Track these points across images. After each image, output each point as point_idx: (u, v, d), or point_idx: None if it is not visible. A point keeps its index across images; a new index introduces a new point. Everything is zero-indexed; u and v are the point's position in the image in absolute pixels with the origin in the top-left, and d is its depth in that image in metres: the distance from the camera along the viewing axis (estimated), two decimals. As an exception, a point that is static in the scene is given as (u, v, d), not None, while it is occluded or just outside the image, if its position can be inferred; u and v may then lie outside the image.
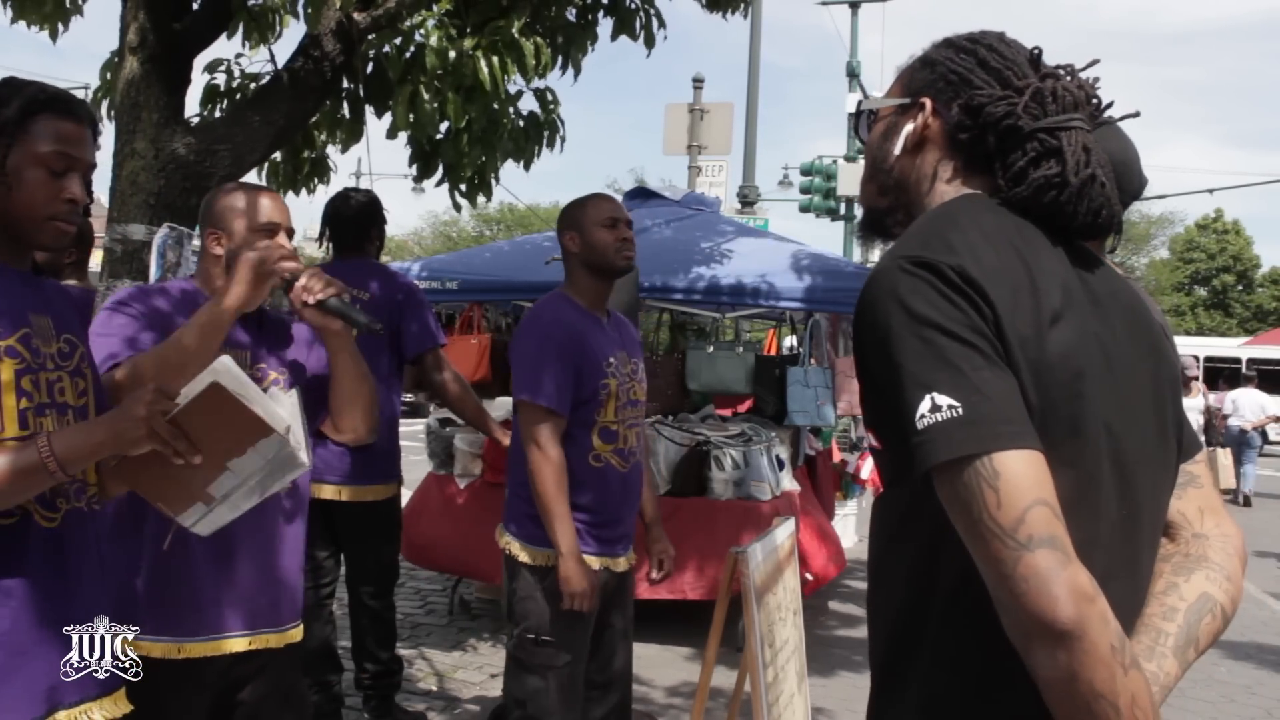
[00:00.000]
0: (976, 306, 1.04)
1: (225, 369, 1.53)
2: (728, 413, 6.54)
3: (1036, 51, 1.25)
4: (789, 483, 5.46)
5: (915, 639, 1.15)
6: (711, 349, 6.25)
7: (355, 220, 3.73)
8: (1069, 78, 1.22)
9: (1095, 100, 1.23)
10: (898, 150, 1.27)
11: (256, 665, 2.08)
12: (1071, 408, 1.07)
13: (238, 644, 2.03)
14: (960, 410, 1.00)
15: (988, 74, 1.22)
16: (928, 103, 1.25)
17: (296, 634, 2.18)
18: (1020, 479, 0.99)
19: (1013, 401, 1.03)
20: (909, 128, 1.26)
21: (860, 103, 1.38)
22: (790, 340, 9.05)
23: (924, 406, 1.01)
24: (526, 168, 3.91)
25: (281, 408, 1.69)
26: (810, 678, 3.51)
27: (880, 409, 1.09)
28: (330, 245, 3.81)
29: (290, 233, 2.15)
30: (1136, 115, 1.28)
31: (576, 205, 2.84)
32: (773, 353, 8.47)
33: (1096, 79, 1.23)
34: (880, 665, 1.22)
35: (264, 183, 4.04)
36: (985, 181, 1.23)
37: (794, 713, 3.02)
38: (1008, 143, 1.19)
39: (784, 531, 3.26)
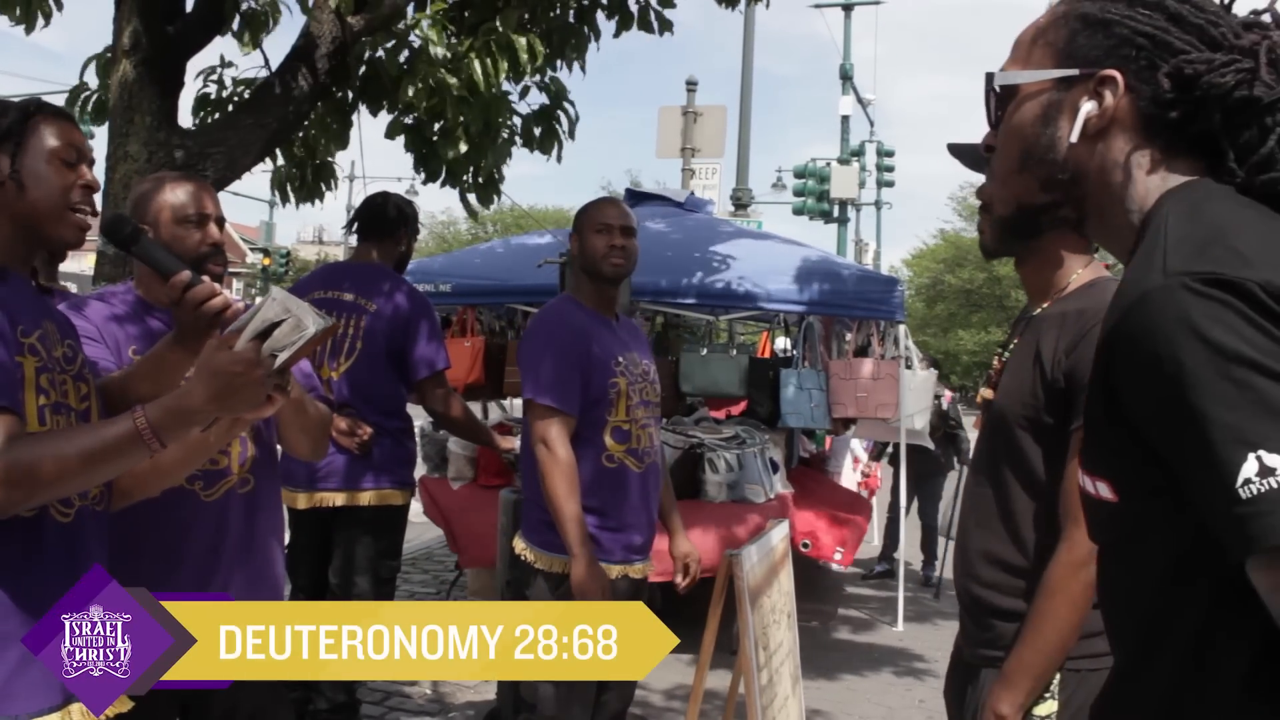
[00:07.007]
0: None
1: (312, 314, 1.42)
2: (721, 414, 6.55)
3: None
4: (782, 485, 5.48)
5: None
6: (705, 351, 6.27)
7: (389, 215, 3.60)
8: None
9: None
10: (1075, 136, 1.01)
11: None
12: None
13: None
14: None
15: (1187, 32, 0.97)
16: (1118, 76, 0.99)
17: None
18: None
19: None
20: (1089, 107, 0.99)
21: (991, 76, 1.09)
22: (783, 342, 9.07)
23: (1248, 469, 0.79)
24: (559, 159, 3.98)
25: (304, 313, 1.48)
26: (804, 680, 3.51)
27: (1141, 460, 0.89)
28: (356, 239, 3.75)
29: (220, 222, 2.07)
30: None
31: (581, 210, 2.89)
32: (766, 355, 8.49)
33: None
34: None
35: (273, 192, 4.07)
36: (1189, 166, 0.98)
37: (788, 715, 3.02)
38: (1239, 119, 0.94)
39: (778, 534, 3.27)
